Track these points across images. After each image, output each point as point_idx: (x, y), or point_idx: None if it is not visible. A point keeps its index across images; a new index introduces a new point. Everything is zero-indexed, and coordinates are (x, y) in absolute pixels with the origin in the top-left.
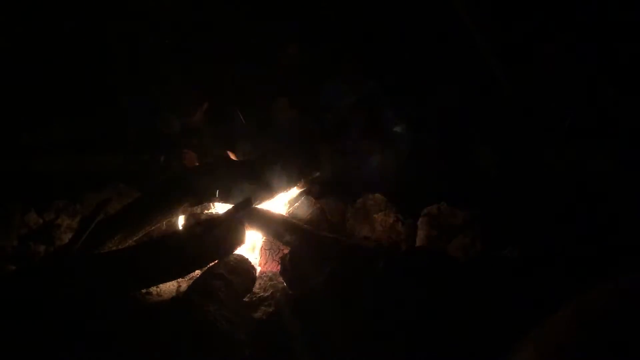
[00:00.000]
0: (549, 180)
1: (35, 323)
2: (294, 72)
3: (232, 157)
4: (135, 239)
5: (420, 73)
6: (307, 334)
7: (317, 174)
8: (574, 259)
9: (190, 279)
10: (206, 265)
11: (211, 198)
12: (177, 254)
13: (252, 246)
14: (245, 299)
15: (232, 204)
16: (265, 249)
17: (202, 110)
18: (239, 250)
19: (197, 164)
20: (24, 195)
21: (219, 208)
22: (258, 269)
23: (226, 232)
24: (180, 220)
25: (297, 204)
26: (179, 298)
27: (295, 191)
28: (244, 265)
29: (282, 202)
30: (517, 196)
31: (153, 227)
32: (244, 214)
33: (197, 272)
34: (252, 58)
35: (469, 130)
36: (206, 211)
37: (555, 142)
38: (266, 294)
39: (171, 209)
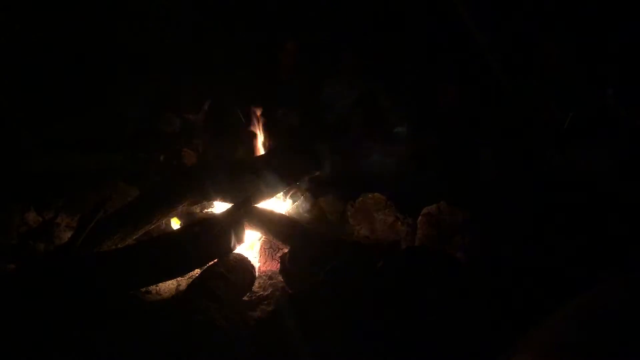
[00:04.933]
0: (548, 180)
1: (34, 322)
2: (294, 71)
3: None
4: (134, 237)
5: (420, 72)
6: (306, 333)
7: (317, 173)
8: (574, 259)
9: (189, 278)
10: (205, 264)
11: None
12: (176, 253)
13: (251, 245)
14: (245, 298)
15: (231, 202)
16: (264, 248)
17: (204, 109)
18: (239, 249)
19: (197, 163)
20: (24, 194)
21: (219, 207)
22: (257, 268)
23: (225, 231)
24: (180, 219)
25: (296, 203)
26: (179, 297)
27: (295, 190)
28: (244, 264)
29: (282, 201)
30: (517, 196)
31: (152, 226)
32: (244, 213)
33: (197, 271)
34: (252, 57)
35: (469, 130)
36: (205, 210)
37: (555, 142)
38: (266, 293)
39: (171, 208)
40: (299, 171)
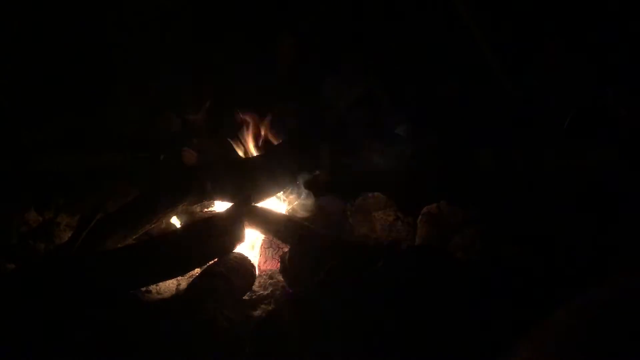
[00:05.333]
0: (548, 180)
1: (34, 322)
2: (292, 67)
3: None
4: (134, 237)
5: (420, 72)
6: (306, 332)
7: (317, 172)
8: (574, 258)
9: (189, 278)
10: (206, 264)
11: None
12: (176, 252)
13: (251, 244)
14: (245, 298)
15: (231, 202)
16: (264, 248)
17: (205, 108)
18: (239, 249)
19: (197, 162)
20: (24, 194)
21: (219, 206)
22: (257, 268)
23: (226, 230)
24: (180, 219)
25: (297, 202)
26: (179, 296)
27: (295, 190)
28: (244, 263)
29: (282, 200)
30: (517, 196)
31: (153, 226)
32: (244, 212)
33: (197, 271)
34: (251, 57)
35: (469, 129)
36: (206, 209)
37: (555, 142)
38: (266, 293)
39: (171, 208)
40: (299, 170)
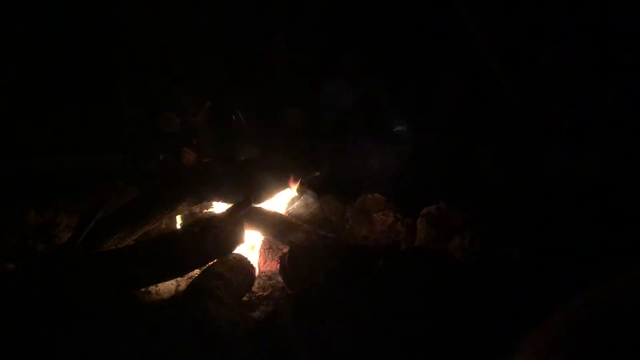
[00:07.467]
0: (548, 180)
1: (33, 322)
2: (289, 67)
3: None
4: (134, 238)
5: (420, 72)
6: (306, 333)
7: (317, 173)
8: (574, 259)
9: (189, 278)
10: (205, 265)
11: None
12: (176, 253)
13: (251, 245)
14: (244, 299)
15: (231, 203)
16: (264, 249)
17: (204, 109)
18: (238, 250)
19: (197, 163)
20: (24, 194)
21: (218, 207)
22: (257, 269)
23: (225, 231)
24: (180, 220)
25: (296, 203)
26: (178, 297)
27: (294, 191)
28: (243, 264)
29: (282, 201)
30: (517, 196)
31: (152, 226)
32: (244, 213)
33: (196, 272)
34: (250, 57)
35: (469, 130)
36: (205, 210)
37: (555, 142)
38: (265, 294)
39: (170, 208)
40: (299, 171)
